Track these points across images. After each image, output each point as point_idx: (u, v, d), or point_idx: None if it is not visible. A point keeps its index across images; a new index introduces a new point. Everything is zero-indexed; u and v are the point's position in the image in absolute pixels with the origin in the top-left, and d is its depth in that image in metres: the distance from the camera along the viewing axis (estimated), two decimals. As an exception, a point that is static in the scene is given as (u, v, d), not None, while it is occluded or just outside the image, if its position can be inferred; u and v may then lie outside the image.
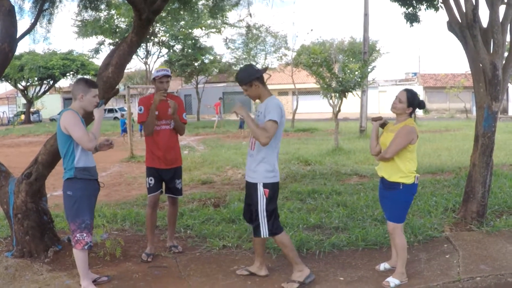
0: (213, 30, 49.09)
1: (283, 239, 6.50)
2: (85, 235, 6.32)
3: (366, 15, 31.60)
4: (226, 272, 7.09)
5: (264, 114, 6.26)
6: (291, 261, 6.58)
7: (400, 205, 6.49)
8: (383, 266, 7.01)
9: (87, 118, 6.99)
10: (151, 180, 7.89)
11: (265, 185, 6.34)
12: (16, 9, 8.73)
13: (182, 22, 44.39)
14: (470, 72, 9.30)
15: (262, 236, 6.45)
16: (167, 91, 7.95)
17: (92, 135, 6.23)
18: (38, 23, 9.90)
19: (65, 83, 72.90)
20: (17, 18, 8.02)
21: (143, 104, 7.90)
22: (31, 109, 70.24)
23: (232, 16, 48.42)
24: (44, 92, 69.66)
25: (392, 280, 6.43)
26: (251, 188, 6.48)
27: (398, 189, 6.40)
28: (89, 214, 6.38)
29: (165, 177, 7.96)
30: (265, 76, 43.29)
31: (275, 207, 6.51)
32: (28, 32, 8.92)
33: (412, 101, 6.43)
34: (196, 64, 54.92)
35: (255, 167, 6.40)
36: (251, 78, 6.39)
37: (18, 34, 8.04)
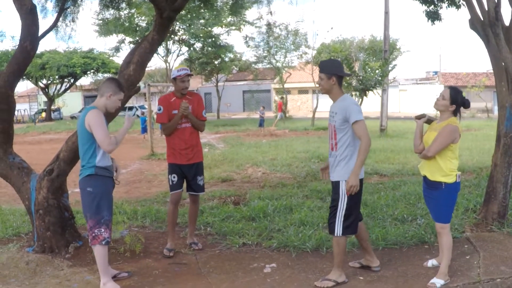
0: (233, 28, 49.22)
1: (343, 241, 6.46)
2: (103, 230, 6.32)
3: (386, 13, 31.50)
4: (246, 270, 7.11)
5: (343, 116, 6.26)
6: (336, 263, 6.52)
7: (444, 205, 6.45)
8: (431, 262, 7.04)
9: (107, 116, 7.01)
10: (174, 177, 7.92)
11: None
12: (38, 8, 8.79)
13: (202, 21, 44.51)
14: (491, 71, 9.23)
15: (335, 234, 6.40)
16: (187, 89, 8.00)
17: (114, 139, 6.25)
18: (59, 21, 9.96)
19: (85, 81, 73.39)
20: (39, 17, 8.08)
21: (163, 104, 7.94)
22: (52, 107, 70.61)
23: (252, 13, 48.55)
24: (65, 90, 70.07)
25: (438, 281, 6.38)
26: (333, 187, 6.48)
27: (440, 189, 6.37)
28: (107, 210, 6.39)
29: (188, 173, 8.00)
30: (285, 74, 43.28)
31: (356, 207, 6.50)
32: (49, 30, 8.96)
33: (455, 99, 6.34)
34: (216, 62, 55.02)
35: (338, 166, 6.40)
36: (332, 71, 6.41)
37: (40, 33, 8.09)
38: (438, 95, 6.57)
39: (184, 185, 8.11)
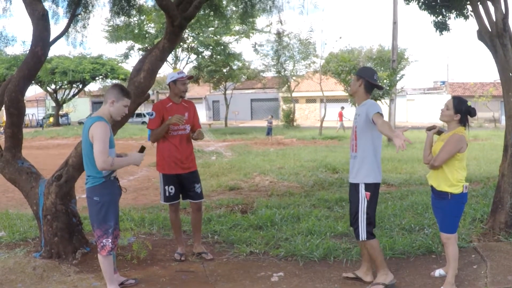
0: (242, 35, 49.34)
1: (374, 243, 6.57)
2: (110, 240, 6.29)
3: (395, 23, 31.51)
4: (253, 278, 7.11)
5: (365, 113, 6.37)
6: (378, 265, 6.60)
7: (450, 216, 6.46)
8: (438, 272, 7.03)
9: (115, 124, 7.02)
10: (171, 189, 7.91)
11: (367, 187, 6.44)
12: (50, 13, 8.82)
13: (211, 28, 44.64)
14: (499, 81, 9.25)
15: (360, 239, 6.53)
16: (186, 92, 8.02)
17: (111, 160, 6.02)
18: (70, 27, 10.00)
19: (94, 86, 73.53)
20: (51, 22, 8.13)
21: (157, 110, 7.88)
22: (60, 112, 70.73)
23: (261, 21, 48.69)
24: (74, 95, 70.21)
25: None
26: (352, 190, 6.62)
27: (446, 199, 6.38)
28: (114, 219, 6.33)
29: (186, 182, 7.98)
30: (293, 83, 43.29)
31: (375, 210, 6.63)
32: (60, 36, 8.99)
33: (459, 108, 6.35)
34: (224, 70, 55.13)
35: (358, 168, 6.51)
36: (363, 75, 6.62)
37: (51, 38, 8.11)
38: (443, 106, 6.58)
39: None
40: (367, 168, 6.43)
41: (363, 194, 6.44)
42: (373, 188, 6.47)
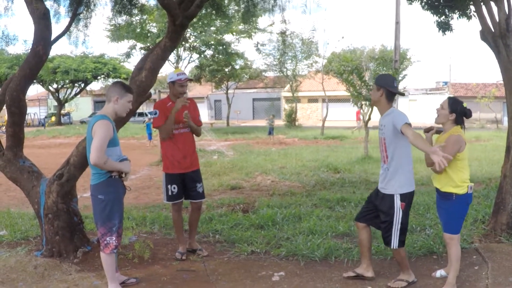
0: (244, 35, 49.26)
1: (402, 250, 6.63)
2: (114, 238, 6.29)
3: (397, 23, 31.41)
4: (254, 278, 7.09)
5: (392, 124, 6.33)
6: (403, 267, 6.69)
7: (454, 216, 6.45)
8: (439, 273, 7.02)
9: (117, 122, 7.02)
10: (174, 188, 7.92)
11: (402, 197, 6.43)
12: (51, 12, 8.81)
13: (213, 28, 44.58)
14: (501, 81, 9.21)
15: (392, 247, 6.57)
16: (184, 94, 8.02)
17: (106, 158, 6.04)
18: (72, 26, 9.99)
19: (96, 86, 73.56)
20: (52, 21, 8.12)
21: (159, 108, 7.91)
22: (62, 111, 70.73)
23: (263, 21, 48.69)
24: (76, 95, 70.22)
25: None
26: (386, 200, 6.55)
27: (451, 200, 6.36)
28: (119, 218, 6.35)
29: (188, 181, 7.99)
30: (295, 83, 43.15)
31: (408, 219, 6.64)
32: (62, 35, 9.00)
33: (454, 107, 6.34)
34: (226, 69, 55.04)
35: (391, 179, 6.49)
36: (383, 84, 6.55)
37: (52, 37, 8.11)
38: (438, 106, 6.56)
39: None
40: (400, 178, 6.43)
41: (398, 205, 6.42)
42: (408, 198, 6.47)
